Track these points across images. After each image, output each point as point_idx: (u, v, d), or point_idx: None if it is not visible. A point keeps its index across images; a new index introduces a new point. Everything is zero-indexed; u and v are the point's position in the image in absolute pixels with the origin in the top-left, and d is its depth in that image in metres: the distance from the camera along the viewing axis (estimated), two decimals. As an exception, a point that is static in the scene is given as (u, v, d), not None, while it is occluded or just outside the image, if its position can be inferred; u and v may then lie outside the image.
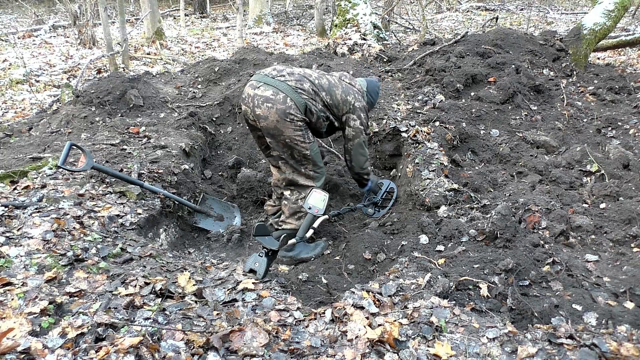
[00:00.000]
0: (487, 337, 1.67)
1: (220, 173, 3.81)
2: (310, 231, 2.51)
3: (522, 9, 12.42)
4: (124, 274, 1.94)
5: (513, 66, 4.44)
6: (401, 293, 1.96)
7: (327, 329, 1.71)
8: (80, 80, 5.60)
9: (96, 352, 1.44)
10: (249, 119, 2.83)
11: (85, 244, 2.11)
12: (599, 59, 6.76)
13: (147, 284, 1.88)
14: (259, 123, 2.69)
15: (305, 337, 1.67)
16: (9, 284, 1.73)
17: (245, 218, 3.38)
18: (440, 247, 2.46)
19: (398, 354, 1.59)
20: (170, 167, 3.09)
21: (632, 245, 2.41)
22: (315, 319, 1.78)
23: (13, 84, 5.85)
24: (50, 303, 1.64)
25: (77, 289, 1.78)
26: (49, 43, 8.64)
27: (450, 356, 1.58)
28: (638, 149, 3.43)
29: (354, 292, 1.94)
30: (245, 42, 8.58)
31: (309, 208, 2.51)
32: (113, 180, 2.76)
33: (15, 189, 2.59)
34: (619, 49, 6.93)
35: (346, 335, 1.67)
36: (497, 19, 7.47)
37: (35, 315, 1.58)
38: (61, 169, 2.67)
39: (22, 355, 1.40)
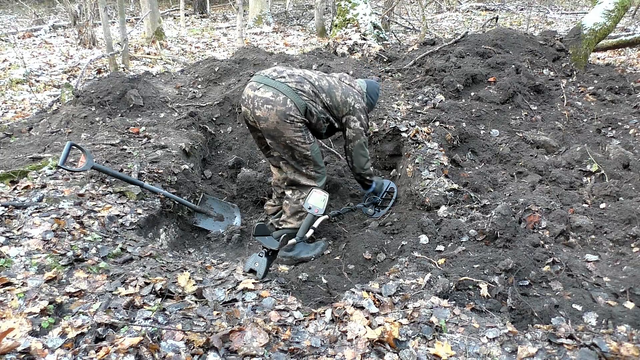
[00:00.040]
0: (487, 337, 1.67)
1: (220, 173, 3.81)
2: (310, 231, 2.52)
3: (522, 9, 12.42)
4: (124, 274, 1.94)
5: (513, 66, 4.44)
6: (401, 293, 1.96)
7: (327, 329, 1.71)
8: (80, 80, 5.60)
9: (96, 352, 1.44)
10: (249, 120, 2.82)
11: (85, 244, 2.11)
12: (599, 59, 6.75)
13: (147, 284, 1.88)
14: (259, 124, 2.69)
15: (305, 337, 1.67)
16: (9, 284, 1.73)
17: (245, 218, 3.38)
18: (440, 247, 2.46)
19: (398, 354, 1.59)
20: (170, 167, 3.09)
21: (632, 245, 2.41)
22: (315, 319, 1.78)
23: (13, 84, 5.85)
24: (50, 303, 1.64)
25: (77, 289, 1.78)
26: (49, 43, 8.64)
27: (450, 356, 1.58)
28: (638, 149, 3.43)
29: (354, 292, 1.94)
30: (245, 42, 8.58)
31: (309, 208, 2.52)
32: (113, 180, 2.76)
33: (15, 189, 2.59)
34: (619, 49, 6.93)
35: (346, 335, 1.67)
36: (497, 19, 7.48)
37: (35, 315, 1.58)
38: (61, 169, 2.67)
39: (22, 355, 1.40)
